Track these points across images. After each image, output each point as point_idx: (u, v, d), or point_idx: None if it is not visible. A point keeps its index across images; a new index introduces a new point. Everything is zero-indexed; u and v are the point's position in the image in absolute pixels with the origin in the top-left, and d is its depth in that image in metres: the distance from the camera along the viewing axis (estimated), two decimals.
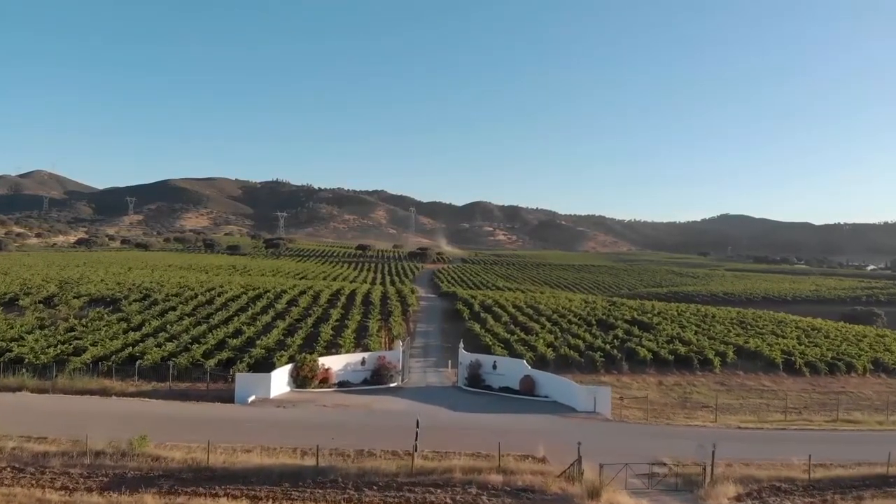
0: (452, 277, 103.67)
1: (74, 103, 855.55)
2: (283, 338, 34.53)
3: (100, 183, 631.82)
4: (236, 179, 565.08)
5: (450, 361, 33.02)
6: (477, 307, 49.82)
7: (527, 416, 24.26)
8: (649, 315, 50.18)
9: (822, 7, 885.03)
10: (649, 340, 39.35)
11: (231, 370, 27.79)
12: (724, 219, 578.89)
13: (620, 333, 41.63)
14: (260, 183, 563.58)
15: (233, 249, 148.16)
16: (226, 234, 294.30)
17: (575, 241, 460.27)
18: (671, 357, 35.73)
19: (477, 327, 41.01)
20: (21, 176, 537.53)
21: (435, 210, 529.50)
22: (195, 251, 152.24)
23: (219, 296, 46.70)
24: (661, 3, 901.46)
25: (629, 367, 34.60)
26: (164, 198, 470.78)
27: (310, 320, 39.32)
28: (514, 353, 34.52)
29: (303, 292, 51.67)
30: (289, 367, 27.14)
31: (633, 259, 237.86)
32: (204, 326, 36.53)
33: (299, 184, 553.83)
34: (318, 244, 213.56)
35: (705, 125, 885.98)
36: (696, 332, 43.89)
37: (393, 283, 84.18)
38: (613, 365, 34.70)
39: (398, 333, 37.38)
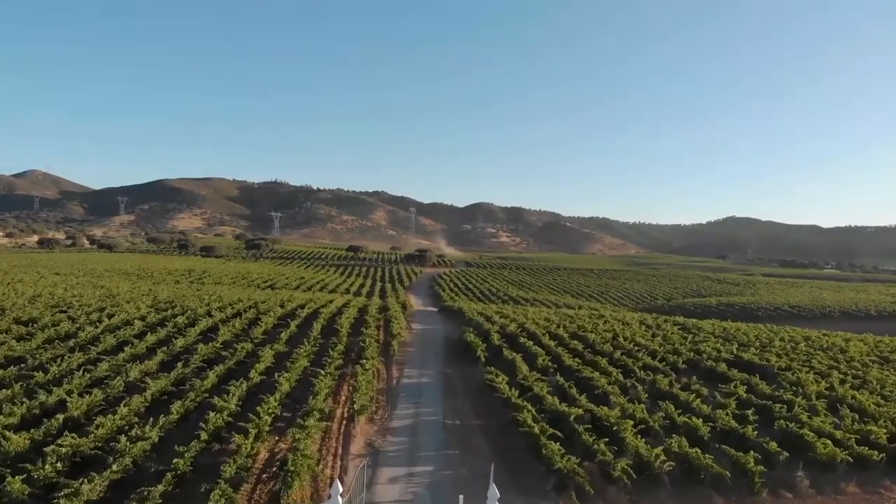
0: (456, 284, 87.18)
1: (73, 103, 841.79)
2: (134, 420, 17.67)
3: (97, 184, 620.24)
4: (234, 180, 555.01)
5: (461, 493, 15.39)
6: (496, 338, 32.80)
7: None
8: (753, 350, 33.40)
9: (830, 10, 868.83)
10: (803, 410, 22.47)
11: None
12: (731, 221, 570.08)
13: (742, 392, 24.78)
14: (258, 183, 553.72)
15: (207, 251, 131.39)
16: (216, 235, 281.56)
17: (581, 244, 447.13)
18: (875, 455, 18.86)
19: (503, 384, 23.96)
20: (15, 176, 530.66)
21: (436, 211, 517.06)
22: (169, 252, 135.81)
23: (98, 322, 29.97)
24: (667, 5, 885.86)
25: (810, 482, 17.83)
26: (159, 198, 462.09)
27: (214, 372, 22.40)
28: (582, 452, 17.73)
29: (237, 314, 34.97)
30: None
31: (648, 262, 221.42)
32: (5, 392, 19.77)
33: (298, 184, 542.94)
34: (309, 245, 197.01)
35: (707, 126, 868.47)
36: (847, 384, 27.22)
37: (382, 292, 67.52)
38: (775, 473, 17.92)
39: (363, 406, 20.25)
